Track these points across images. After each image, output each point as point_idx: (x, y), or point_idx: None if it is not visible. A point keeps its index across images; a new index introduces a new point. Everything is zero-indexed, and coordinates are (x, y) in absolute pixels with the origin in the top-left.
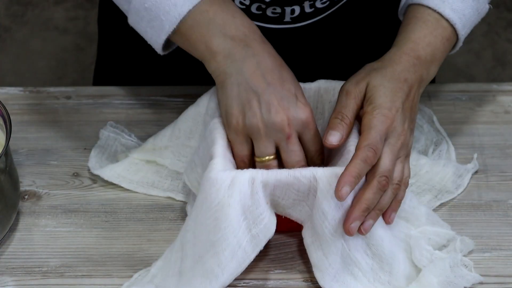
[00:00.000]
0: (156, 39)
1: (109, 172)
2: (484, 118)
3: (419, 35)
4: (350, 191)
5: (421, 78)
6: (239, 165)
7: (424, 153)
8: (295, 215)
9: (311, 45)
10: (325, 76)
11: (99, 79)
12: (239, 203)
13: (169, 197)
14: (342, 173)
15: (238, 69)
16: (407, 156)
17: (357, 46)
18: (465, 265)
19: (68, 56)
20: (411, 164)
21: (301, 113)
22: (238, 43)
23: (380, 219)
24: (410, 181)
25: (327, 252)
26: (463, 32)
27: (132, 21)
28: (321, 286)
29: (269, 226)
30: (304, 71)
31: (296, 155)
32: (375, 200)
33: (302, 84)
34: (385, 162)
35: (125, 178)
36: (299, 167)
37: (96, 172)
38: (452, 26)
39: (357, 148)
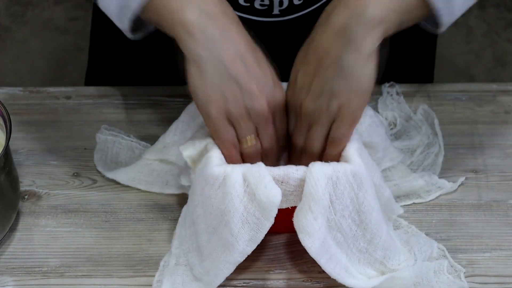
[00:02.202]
0: (123, 18)
1: (124, 176)
2: (484, 118)
3: None
4: None
5: (339, 27)
6: (229, 153)
7: (413, 151)
8: (297, 199)
9: (301, 38)
10: None
11: (91, 80)
12: (240, 168)
13: (171, 197)
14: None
15: (217, 54)
16: (339, 122)
17: None
18: (455, 270)
19: (68, 56)
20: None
21: (278, 96)
22: (215, 20)
23: (374, 191)
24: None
25: (316, 215)
26: None
27: (102, 2)
28: (311, 253)
29: (271, 188)
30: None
31: (270, 138)
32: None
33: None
34: (292, 131)
35: (140, 180)
36: (273, 148)
37: (110, 175)
38: None
39: None
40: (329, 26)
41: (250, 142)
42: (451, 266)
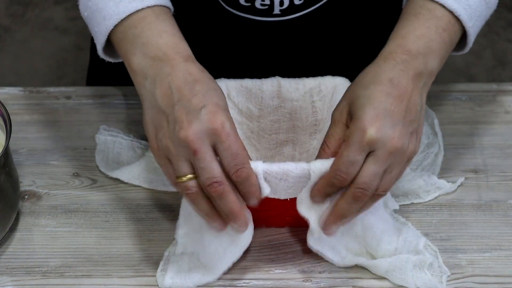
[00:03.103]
0: (98, 48)
1: (129, 174)
2: (484, 118)
3: (408, 29)
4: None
5: (417, 73)
6: (176, 188)
7: None
8: (297, 192)
9: (301, 38)
10: (316, 71)
11: (92, 80)
12: None
13: (171, 197)
14: (312, 190)
15: (152, 92)
16: (407, 162)
17: (349, 40)
18: (440, 271)
19: (68, 56)
20: None
21: (206, 124)
22: (156, 63)
23: None
24: None
25: (321, 204)
26: (470, 24)
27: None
28: (313, 227)
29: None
30: (294, 65)
31: (206, 172)
32: (351, 209)
33: (295, 82)
34: (365, 174)
35: (145, 178)
36: (213, 183)
37: (113, 175)
38: (451, 15)
39: (330, 169)
40: (407, 68)
41: (185, 178)
42: (438, 267)
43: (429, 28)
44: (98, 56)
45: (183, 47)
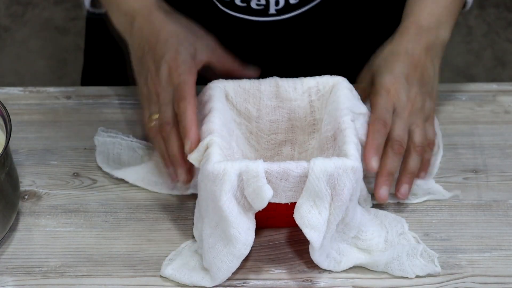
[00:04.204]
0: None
1: (135, 175)
2: (484, 118)
3: (420, 7)
4: (378, 160)
5: (428, 44)
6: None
7: None
8: (297, 195)
9: (298, 37)
10: (313, 70)
11: (87, 81)
12: (239, 164)
13: (171, 197)
14: (365, 148)
15: (132, 45)
16: (428, 119)
17: (345, 38)
18: (429, 255)
19: (68, 56)
20: None
21: (165, 71)
22: (128, 19)
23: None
24: None
25: (321, 209)
26: None
27: None
28: (315, 246)
29: (261, 191)
30: (291, 64)
31: (162, 114)
32: (395, 164)
33: (292, 81)
34: (395, 130)
35: (149, 180)
36: (164, 124)
37: (119, 175)
38: None
39: (369, 125)
40: (419, 41)
41: (153, 117)
42: (425, 252)
43: (437, 3)
44: (93, 57)
45: (152, 1)
